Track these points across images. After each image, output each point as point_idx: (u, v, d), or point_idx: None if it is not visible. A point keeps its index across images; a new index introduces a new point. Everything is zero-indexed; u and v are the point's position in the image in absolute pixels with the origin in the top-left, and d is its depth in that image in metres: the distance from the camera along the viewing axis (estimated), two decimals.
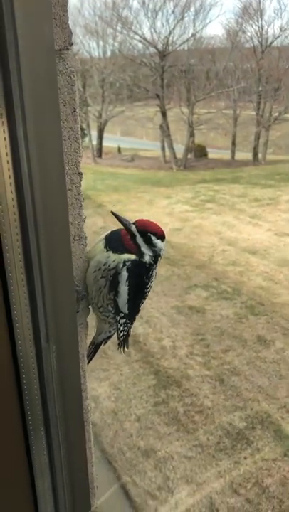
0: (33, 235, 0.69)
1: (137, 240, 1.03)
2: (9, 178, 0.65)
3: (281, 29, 21.31)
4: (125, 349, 1.14)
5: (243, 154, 22.44)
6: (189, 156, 21.23)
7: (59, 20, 0.71)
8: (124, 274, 1.00)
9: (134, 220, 1.06)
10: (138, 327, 5.18)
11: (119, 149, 24.46)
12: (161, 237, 1.06)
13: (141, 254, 1.03)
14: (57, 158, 0.71)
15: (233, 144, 22.66)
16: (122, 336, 1.11)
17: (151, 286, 1.09)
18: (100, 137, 23.42)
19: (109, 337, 1.16)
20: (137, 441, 3.75)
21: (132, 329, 1.13)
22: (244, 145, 23.52)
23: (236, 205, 11.13)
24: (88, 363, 1.08)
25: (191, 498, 3.25)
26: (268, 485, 3.33)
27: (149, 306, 5.72)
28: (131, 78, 22.61)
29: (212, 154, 22.73)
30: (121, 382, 4.44)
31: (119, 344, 1.14)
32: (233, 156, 22.54)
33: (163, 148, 21.78)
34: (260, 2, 21.21)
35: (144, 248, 1.03)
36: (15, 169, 0.65)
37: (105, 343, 1.19)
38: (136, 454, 3.62)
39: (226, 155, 22.60)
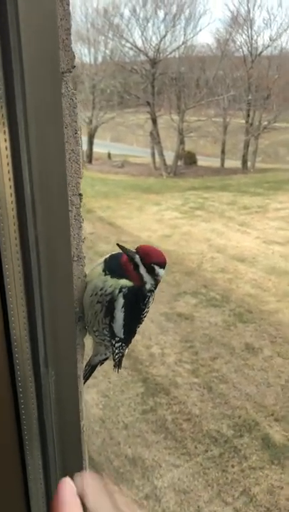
0: (35, 256, 0.69)
1: (140, 270, 1.01)
2: (11, 203, 0.65)
3: (270, 39, 21.62)
4: (120, 369, 1.13)
5: (233, 162, 22.61)
6: (179, 163, 21.32)
7: (62, 43, 0.72)
8: (120, 301, 0.98)
9: (136, 248, 1.03)
10: None
11: (109, 155, 24.49)
12: (164, 265, 1.04)
13: (143, 284, 1.02)
14: (59, 180, 0.72)
15: (223, 151, 22.83)
16: (118, 358, 1.11)
17: (147, 312, 1.07)
18: (90, 143, 23.44)
19: (106, 359, 1.15)
20: (125, 449, 3.73)
21: (126, 350, 1.12)
22: (233, 153, 23.70)
23: (225, 213, 11.20)
24: (84, 383, 1.07)
25: (179, 507, 3.24)
26: (256, 493, 3.33)
27: None
28: (121, 85, 22.70)
29: (202, 162, 22.86)
30: (109, 390, 4.42)
31: (114, 365, 1.13)
32: (222, 164, 22.70)
33: (153, 155, 21.84)
34: (249, 12, 21.48)
35: (147, 278, 1.02)
36: (17, 191, 0.65)
37: (101, 364, 1.17)
38: (123, 463, 3.60)
39: (216, 162, 22.75)
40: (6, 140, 0.62)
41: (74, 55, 0.75)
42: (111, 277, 0.99)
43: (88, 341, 1.07)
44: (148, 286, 1.03)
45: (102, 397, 4.32)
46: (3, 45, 0.58)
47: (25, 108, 0.62)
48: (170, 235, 9.40)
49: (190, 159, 22.44)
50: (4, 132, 0.61)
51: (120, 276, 0.99)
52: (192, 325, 5.69)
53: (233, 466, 3.58)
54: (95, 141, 23.95)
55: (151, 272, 1.02)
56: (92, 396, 4.29)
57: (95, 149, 23.85)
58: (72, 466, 0.88)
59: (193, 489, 3.38)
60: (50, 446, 0.81)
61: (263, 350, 5.12)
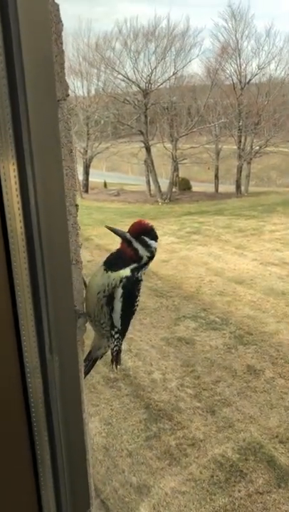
0: (40, 260, 0.80)
1: (134, 244, 1.16)
2: (18, 209, 0.76)
3: (259, 67, 22.28)
4: (118, 366, 1.27)
5: (226, 187, 22.93)
6: (174, 189, 21.61)
7: (57, 76, 0.84)
8: (120, 291, 1.13)
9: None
10: (128, 360, 5.16)
11: (105, 184, 24.82)
12: (154, 237, 1.19)
13: (140, 258, 1.16)
14: (58, 192, 0.83)
15: (216, 177, 23.18)
16: (115, 350, 1.24)
17: (138, 301, 1.22)
18: (86, 173, 23.81)
19: (105, 353, 1.28)
20: (130, 477, 3.68)
21: (122, 345, 1.26)
22: (227, 178, 24.07)
23: (221, 236, 11.29)
24: (85, 377, 1.19)
25: None
26: None
27: (138, 338, 5.70)
28: (115, 116, 23.20)
29: (196, 187, 23.20)
30: (112, 417, 4.38)
31: (112, 360, 1.26)
32: (216, 189, 23.02)
33: (148, 183, 22.18)
34: (237, 42, 22.19)
35: (142, 251, 1.17)
36: (23, 203, 0.76)
37: (101, 358, 1.31)
38: (128, 491, 3.55)
39: (210, 188, 23.07)
40: (13, 157, 0.73)
41: (68, 85, 0.89)
42: (112, 272, 1.13)
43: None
44: (145, 260, 1.17)
45: (104, 425, 4.28)
46: (10, 80, 0.70)
47: (29, 131, 0.73)
48: (168, 259, 9.45)
49: (184, 185, 22.76)
50: (11, 150, 0.73)
51: (119, 268, 1.14)
52: (193, 349, 5.68)
53: (239, 491, 3.52)
54: (91, 170, 24.32)
55: (143, 244, 1.17)
56: (94, 424, 4.25)
57: (91, 179, 24.20)
58: (77, 448, 0.99)
59: None
60: (55, 424, 0.91)
61: (264, 372, 5.10)
